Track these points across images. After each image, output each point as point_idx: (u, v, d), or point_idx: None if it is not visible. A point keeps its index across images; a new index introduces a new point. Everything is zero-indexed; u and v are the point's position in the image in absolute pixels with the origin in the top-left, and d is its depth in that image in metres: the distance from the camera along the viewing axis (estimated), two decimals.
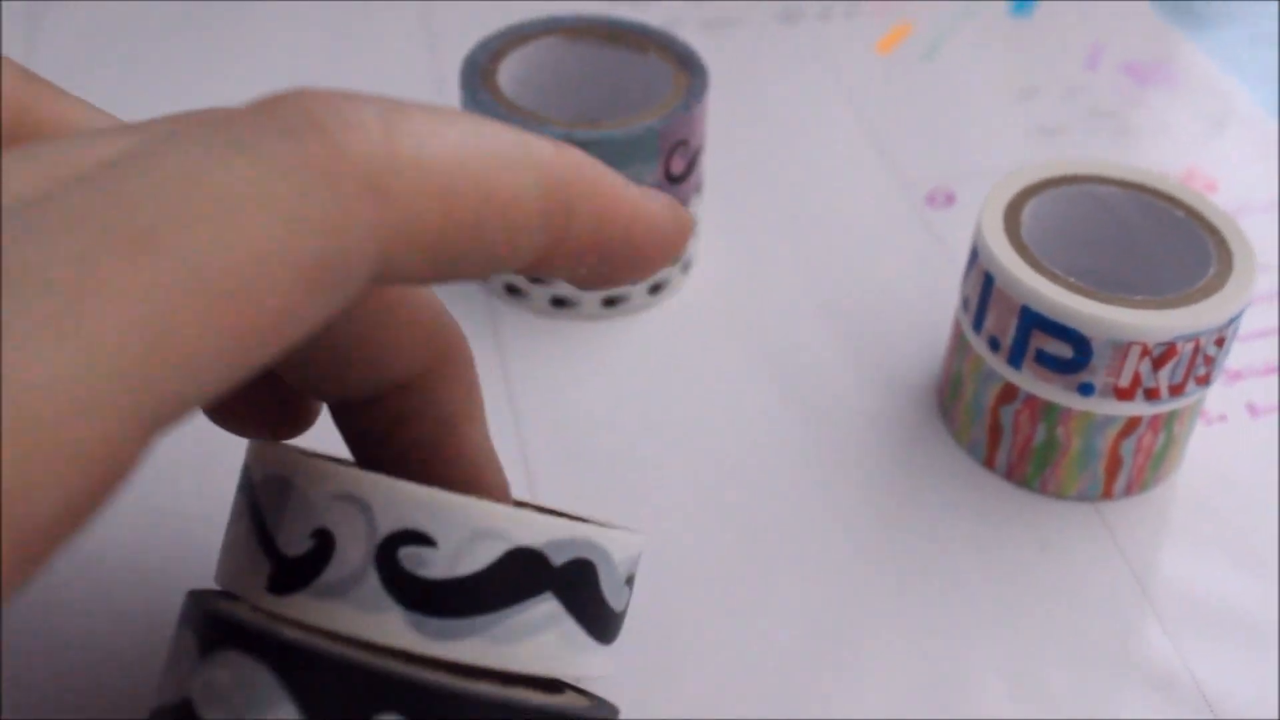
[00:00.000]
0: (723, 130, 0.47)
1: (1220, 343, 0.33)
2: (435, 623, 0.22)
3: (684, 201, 0.38)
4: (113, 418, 0.16)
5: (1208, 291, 0.33)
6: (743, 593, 0.32)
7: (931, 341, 0.39)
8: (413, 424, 0.26)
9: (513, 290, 0.39)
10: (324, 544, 0.22)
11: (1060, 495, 0.35)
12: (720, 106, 0.48)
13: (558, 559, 0.23)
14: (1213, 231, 0.35)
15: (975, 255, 0.34)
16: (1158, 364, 0.32)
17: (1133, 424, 0.34)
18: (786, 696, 0.30)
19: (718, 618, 0.32)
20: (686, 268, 0.40)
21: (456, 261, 0.20)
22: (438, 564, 0.22)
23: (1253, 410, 0.38)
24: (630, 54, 0.39)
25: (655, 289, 0.39)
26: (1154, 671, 0.31)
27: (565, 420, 0.36)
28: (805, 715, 0.30)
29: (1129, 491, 0.35)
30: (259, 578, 0.23)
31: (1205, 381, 0.33)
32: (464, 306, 0.39)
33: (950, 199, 0.45)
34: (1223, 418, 0.38)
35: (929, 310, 0.41)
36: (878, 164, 0.46)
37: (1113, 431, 0.34)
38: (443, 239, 0.20)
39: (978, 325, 0.34)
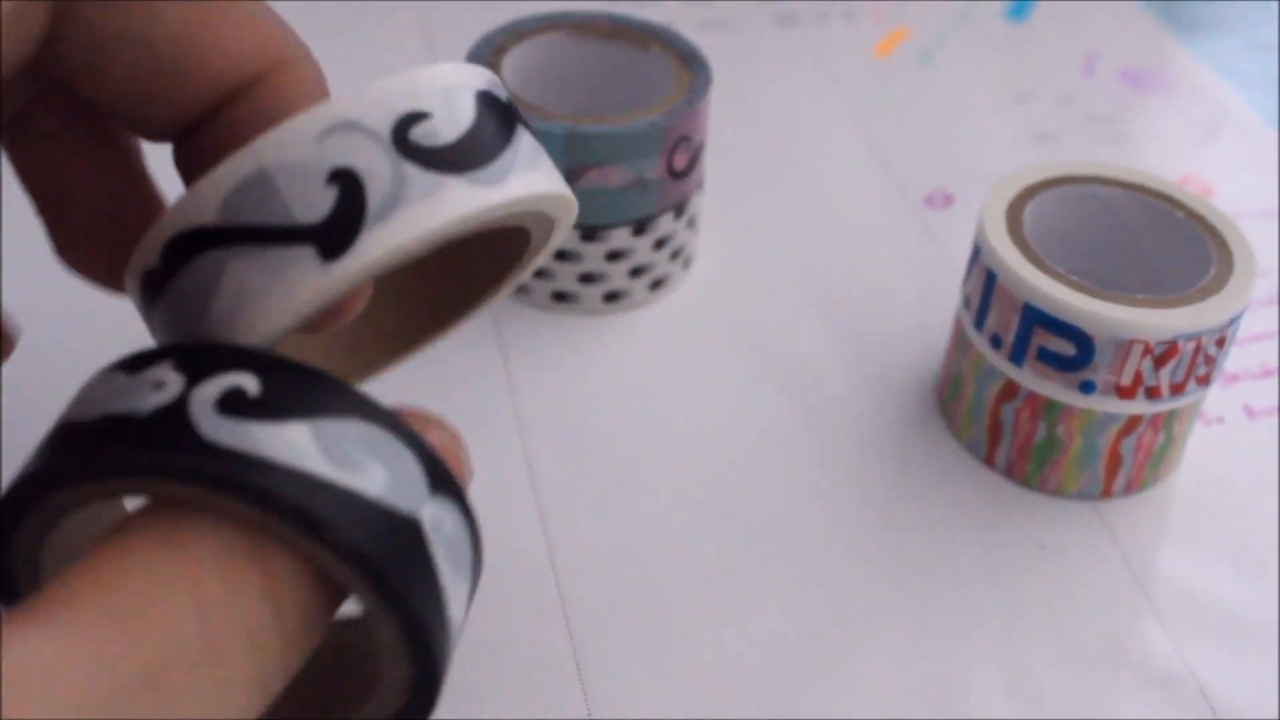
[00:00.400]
0: (721, 130, 0.47)
1: (1221, 343, 0.33)
2: (482, 173, 0.23)
3: (686, 197, 0.38)
4: None
5: (1209, 292, 0.33)
6: (740, 589, 0.32)
7: (930, 340, 0.40)
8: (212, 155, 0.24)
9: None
10: (348, 183, 0.22)
11: (1060, 494, 0.35)
12: (719, 107, 0.49)
13: (501, 94, 0.24)
14: (1213, 233, 0.35)
15: (977, 253, 0.34)
16: (1159, 363, 0.32)
17: (1133, 423, 0.34)
18: (784, 695, 0.30)
19: (715, 614, 0.32)
20: (687, 264, 0.40)
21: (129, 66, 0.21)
22: (445, 128, 0.22)
23: (1250, 412, 0.38)
24: (632, 50, 0.39)
25: (656, 285, 0.39)
26: (1153, 670, 0.31)
27: (566, 414, 0.36)
28: (803, 714, 0.30)
29: (1128, 490, 0.35)
30: (306, 263, 0.22)
31: (1206, 381, 0.34)
32: None
33: (949, 200, 0.45)
34: (1220, 420, 0.38)
35: (927, 309, 0.41)
36: (875, 166, 0.46)
37: (1113, 430, 0.34)
38: (117, 32, 0.20)
39: (979, 323, 0.34)
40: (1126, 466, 0.35)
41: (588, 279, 0.38)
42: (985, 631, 0.32)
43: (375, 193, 0.22)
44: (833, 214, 0.44)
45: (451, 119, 0.23)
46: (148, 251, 0.22)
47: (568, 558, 0.33)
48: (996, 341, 0.34)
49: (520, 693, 0.30)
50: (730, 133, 0.47)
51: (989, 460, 0.36)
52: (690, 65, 0.38)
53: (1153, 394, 0.33)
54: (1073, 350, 0.32)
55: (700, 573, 0.33)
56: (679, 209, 0.38)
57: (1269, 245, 0.45)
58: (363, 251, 0.22)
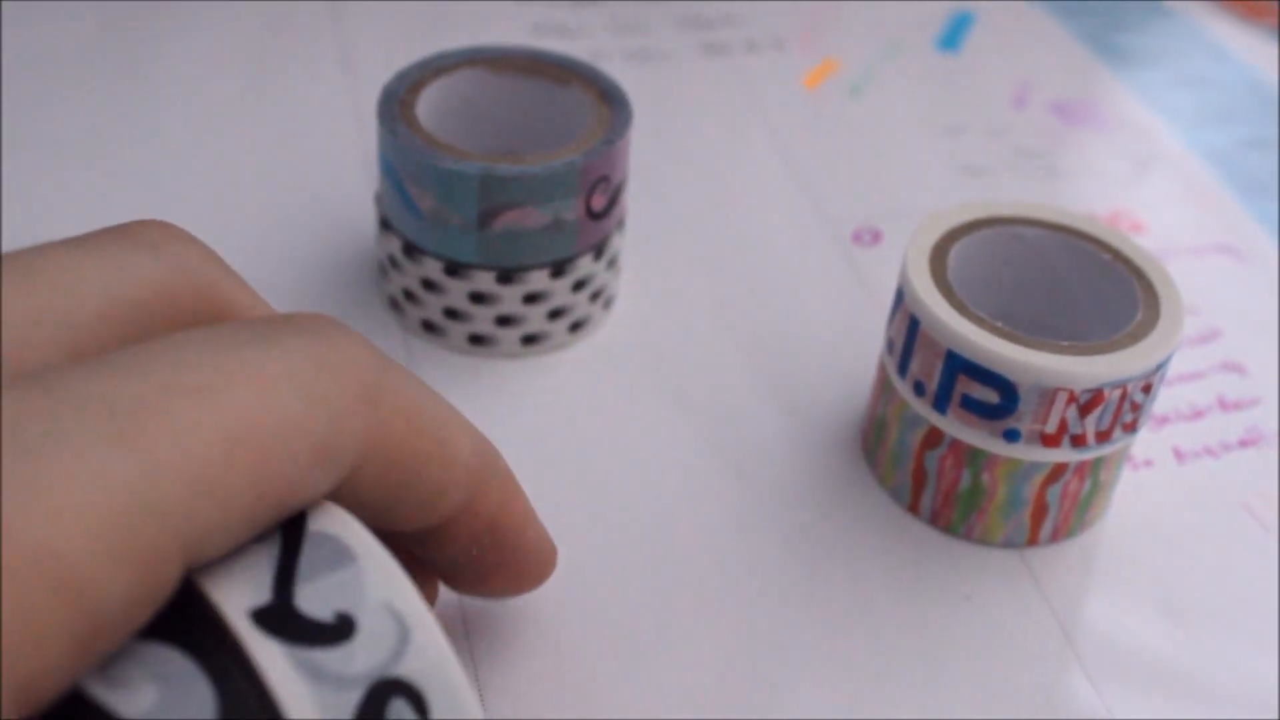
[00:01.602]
0: (645, 165, 0.47)
1: (1147, 389, 0.32)
2: None
3: (605, 238, 0.37)
4: (161, 528, 0.18)
5: (1135, 337, 0.32)
6: (658, 640, 0.31)
7: (856, 382, 0.39)
8: (465, 540, 0.26)
9: (429, 327, 0.38)
10: (344, 628, 0.20)
11: (985, 542, 0.35)
12: (643, 140, 0.48)
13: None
14: (1140, 275, 0.34)
15: (900, 298, 0.34)
16: (1084, 411, 0.32)
17: (1059, 471, 0.33)
18: None
19: (631, 665, 0.31)
20: (608, 305, 0.39)
21: (403, 487, 0.23)
22: None
23: (1179, 455, 0.38)
24: (552, 86, 0.38)
25: (575, 327, 0.38)
26: None
27: None
28: None
29: (1055, 538, 0.35)
30: (245, 597, 0.20)
31: (1132, 428, 0.33)
32: (380, 344, 0.38)
33: (876, 237, 0.44)
34: (1149, 463, 0.38)
35: (854, 350, 0.40)
36: (803, 201, 0.46)
37: (1039, 478, 0.33)
38: (400, 460, 0.23)
39: (903, 369, 0.34)
40: (1053, 514, 0.34)
41: (505, 321, 0.37)
42: (908, 682, 0.31)
43: None
44: (758, 251, 0.43)
45: None
46: None
47: (478, 606, 0.32)
48: (920, 388, 0.33)
49: None
50: (655, 168, 0.47)
51: (913, 508, 0.35)
52: (610, 102, 0.37)
53: (1078, 442, 0.32)
54: (997, 398, 0.32)
55: (617, 623, 0.32)
56: (599, 250, 0.37)
57: (1201, 282, 0.44)
58: None
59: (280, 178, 0.44)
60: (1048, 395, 0.31)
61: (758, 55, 0.53)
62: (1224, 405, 0.40)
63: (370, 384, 0.22)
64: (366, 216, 0.43)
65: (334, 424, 0.21)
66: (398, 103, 0.37)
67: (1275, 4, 0.61)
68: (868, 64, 0.53)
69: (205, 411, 0.19)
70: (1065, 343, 0.32)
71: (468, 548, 0.26)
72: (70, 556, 0.17)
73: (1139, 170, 0.49)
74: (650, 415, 0.37)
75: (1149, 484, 0.37)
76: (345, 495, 0.22)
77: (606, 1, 0.55)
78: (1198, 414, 0.39)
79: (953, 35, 0.56)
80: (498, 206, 0.35)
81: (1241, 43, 0.58)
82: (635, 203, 0.45)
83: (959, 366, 0.32)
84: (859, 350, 0.40)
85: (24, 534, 0.17)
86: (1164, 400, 0.40)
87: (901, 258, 0.43)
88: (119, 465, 0.18)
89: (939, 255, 0.34)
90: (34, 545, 0.17)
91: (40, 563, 0.17)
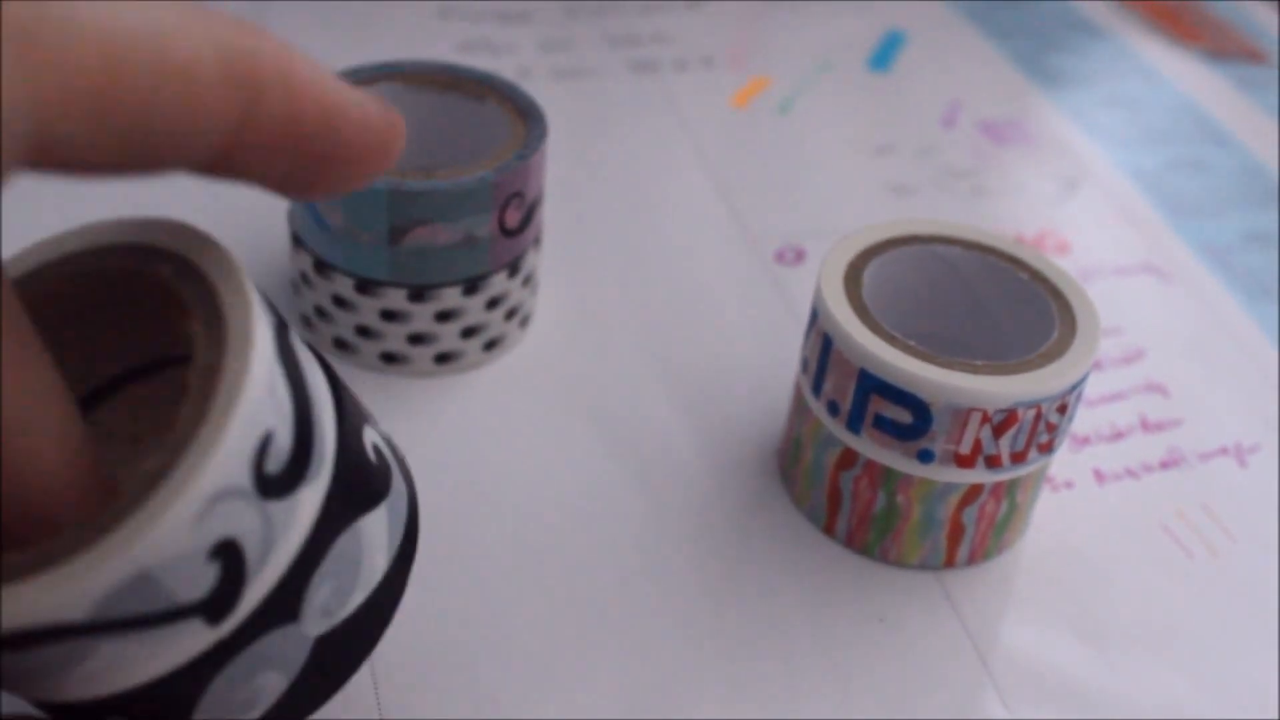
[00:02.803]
0: (568, 182, 0.46)
1: (1063, 410, 0.32)
2: (311, 468, 0.23)
3: (520, 255, 0.37)
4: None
5: (1050, 357, 0.32)
6: (570, 662, 0.31)
7: (776, 403, 0.38)
8: (264, 159, 0.22)
9: (341, 345, 0.37)
10: (229, 552, 0.21)
11: (901, 564, 0.34)
12: (568, 158, 0.47)
13: (297, 349, 0.24)
14: (1056, 295, 0.34)
15: (815, 316, 0.33)
16: (998, 431, 0.31)
17: (974, 492, 0.33)
18: None
19: (542, 688, 0.30)
20: (524, 323, 0.39)
21: (130, 132, 0.18)
22: (283, 438, 0.22)
23: (1099, 476, 0.38)
24: (469, 102, 0.38)
25: (490, 345, 0.38)
26: None
27: None
28: None
29: (971, 560, 0.34)
30: (193, 630, 0.21)
31: (1048, 449, 0.33)
32: None
33: (800, 256, 0.44)
34: (1069, 484, 0.37)
35: (774, 370, 0.39)
36: (727, 219, 0.45)
37: (954, 499, 0.33)
38: (110, 100, 0.18)
39: (817, 388, 0.33)
40: (969, 536, 0.34)
41: (417, 340, 0.36)
42: (820, 706, 0.31)
43: (252, 548, 0.21)
44: (680, 270, 0.43)
45: (284, 422, 0.22)
46: None
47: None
48: (834, 408, 0.33)
49: None
50: (579, 186, 0.46)
51: (829, 530, 0.34)
52: (526, 118, 0.37)
53: (993, 463, 0.32)
54: (910, 418, 0.31)
55: (528, 645, 0.31)
56: (513, 267, 0.37)
57: (1126, 302, 0.44)
58: (248, 600, 0.22)
59: (195, 191, 0.43)
60: (961, 415, 0.31)
61: (687, 73, 0.53)
62: (1146, 426, 0.39)
63: (24, 23, 0.17)
64: (281, 233, 0.42)
65: None
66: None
67: (1204, 25, 0.61)
68: (797, 83, 0.53)
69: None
70: (979, 362, 0.32)
71: (268, 166, 0.21)
72: None
73: (1067, 190, 0.49)
74: (565, 435, 0.36)
75: (1069, 505, 0.37)
76: (51, 162, 0.18)
77: (535, 14, 0.55)
78: (1119, 435, 0.39)
79: (884, 55, 0.56)
80: (408, 223, 0.34)
81: (1172, 65, 0.58)
82: (558, 220, 0.44)
83: (872, 386, 0.31)
84: (779, 370, 0.39)
85: None
86: (1085, 421, 0.39)
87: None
88: None
89: (854, 273, 0.34)
90: None
91: None
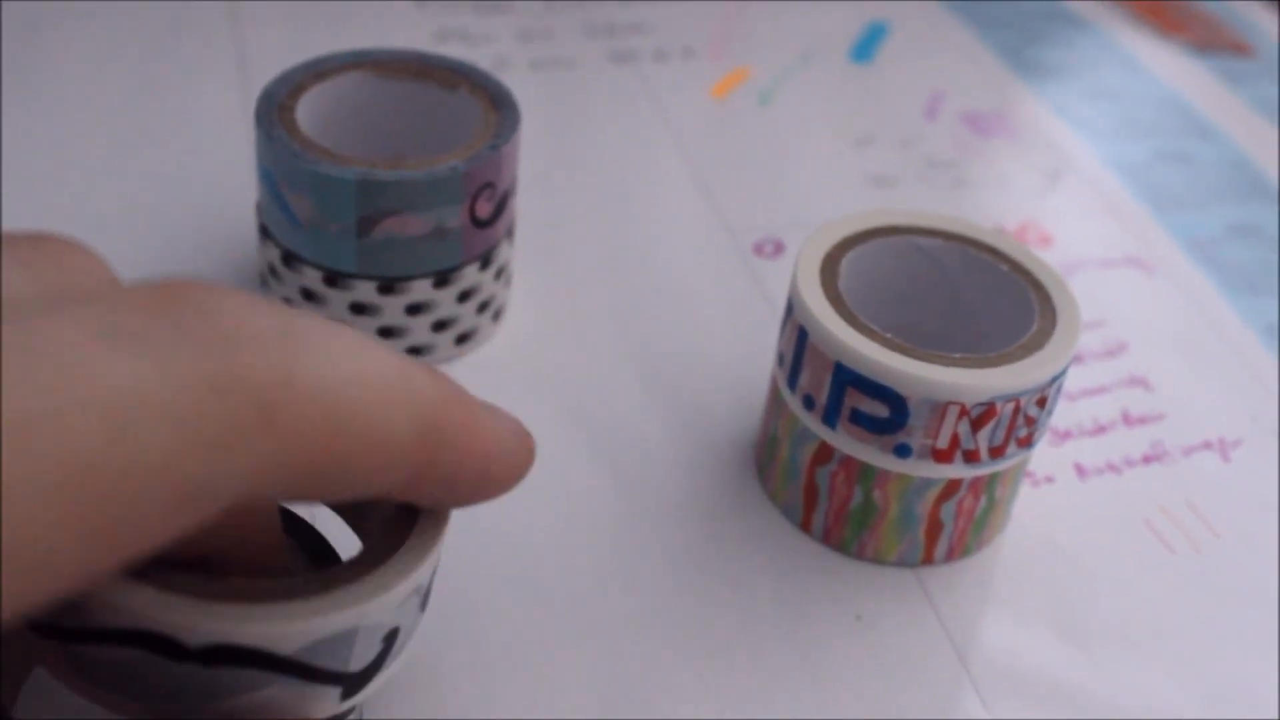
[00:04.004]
0: (544, 173, 0.45)
1: (1042, 403, 0.31)
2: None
3: (492, 247, 0.36)
4: None
5: (1029, 349, 0.31)
6: (537, 659, 0.30)
7: (753, 397, 0.38)
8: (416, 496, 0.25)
9: None
10: (392, 637, 0.24)
11: (879, 560, 0.34)
12: (545, 148, 0.47)
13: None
14: (1037, 287, 0.33)
15: (790, 308, 0.33)
16: (976, 425, 0.31)
17: (952, 487, 0.32)
18: None
19: (512, 686, 0.30)
20: (497, 316, 0.38)
21: (322, 490, 0.20)
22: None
23: (1081, 471, 0.37)
24: (440, 91, 0.37)
25: (462, 339, 0.37)
26: None
27: None
28: None
29: (950, 557, 0.34)
30: (329, 699, 0.24)
31: (1027, 443, 0.32)
32: None
33: (779, 249, 0.43)
34: (1050, 479, 0.37)
35: (752, 364, 0.39)
36: (705, 211, 0.45)
37: (932, 495, 0.32)
38: (316, 469, 0.19)
39: (792, 382, 0.33)
40: (948, 532, 0.33)
41: (387, 333, 0.36)
42: (796, 705, 0.30)
43: (401, 642, 0.25)
44: (658, 262, 0.42)
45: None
46: (177, 626, 0.22)
47: None
48: (809, 402, 0.32)
49: None
50: (556, 176, 0.45)
51: (805, 526, 0.34)
52: (499, 107, 0.36)
53: (971, 458, 0.31)
54: (886, 412, 0.31)
55: (499, 643, 0.30)
56: (485, 259, 0.36)
57: (1109, 295, 0.43)
58: (370, 689, 0.24)
59: (168, 183, 0.43)
60: (938, 409, 0.30)
61: (666, 63, 0.52)
62: (1128, 420, 0.39)
63: (268, 395, 0.18)
64: (249, 225, 0.41)
65: (214, 459, 0.18)
66: (277, 107, 0.35)
67: (1189, 18, 0.60)
68: (778, 74, 0.53)
69: (39, 458, 0.16)
70: (957, 355, 0.31)
71: (428, 498, 0.23)
72: None
73: (1049, 182, 0.49)
74: (539, 430, 0.36)
75: (1050, 500, 0.36)
76: (249, 502, 0.20)
77: (513, 3, 0.54)
78: (1101, 429, 0.38)
79: (866, 46, 0.55)
80: (377, 213, 0.34)
81: (1155, 57, 0.58)
82: (535, 212, 0.44)
83: (847, 379, 0.31)
84: (757, 364, 0.39)
85: None
86: (1067, 415, 0.39)
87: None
88: None
89: (830, 265, 0.33)
90: None
91: None
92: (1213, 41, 0.59)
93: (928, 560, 0.34)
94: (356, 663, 0.24)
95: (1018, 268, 0.34)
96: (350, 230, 0.34)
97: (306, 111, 0.36)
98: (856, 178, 0.47)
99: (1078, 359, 0.41)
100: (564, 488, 0.34)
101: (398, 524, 0.24)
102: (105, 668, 0.22)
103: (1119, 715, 0.31)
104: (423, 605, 0.25)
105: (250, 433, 0.18)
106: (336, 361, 0.20)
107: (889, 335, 0.31)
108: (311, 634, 0.22)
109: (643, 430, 0.36)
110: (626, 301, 0.41)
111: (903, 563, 0.34)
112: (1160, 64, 0.57)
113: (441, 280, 0.35)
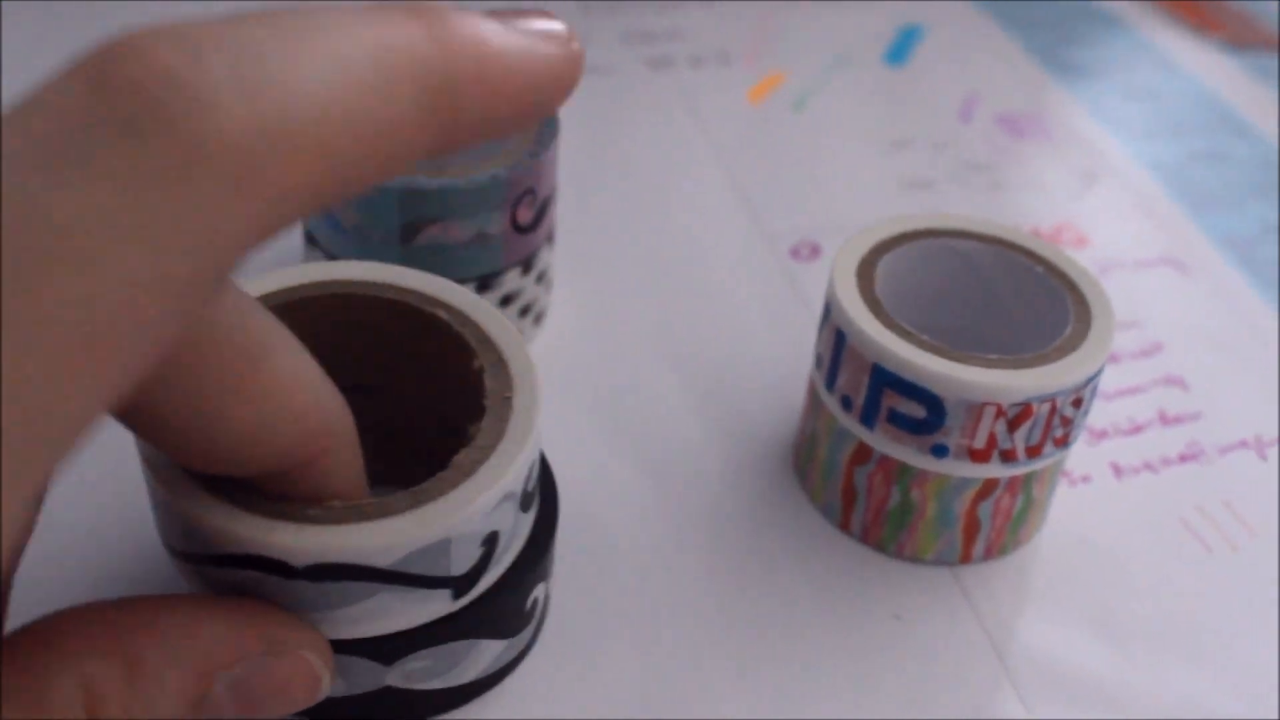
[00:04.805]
0: (583, 179, 0.46)
1: (1078, 403, 0.32)
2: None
3: (533, 252, 0.37)
4: None
5: (1065, 350, 0.32)
6: (583, 656, 0.31)
7: (791, 399, 0.38)
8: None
9: None
10: (492, 541, 0.26)
11: (916, 559, 0.34)
12: (584, 155, 0.47)
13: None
14: (1072, 288, 0.34)
15: (828, 311, 0.33)
16: (1013, 425, 0.31)
17: (989, 486, 0.32)
18: None
19: (552, 683, 0.30)
20: (539, 320, 0.39)
21: (336, 198, 0.19)
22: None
23: (1117, 470, 0.37)
24: None
25: None
26: None
27: None
28: None
29: (988, 555, 0.34)
30: (442, 601, 0.26)
31: (1064, 443, 0.32)
32: None
33: (815, 252, 0.44)
34: (1086, 478, 0.37)
35: (790, 366, 0.39)
36: (743, 215, 0.45)
37: (969, 494, 0.32)
38: (321, 190, 0.18)
39: (830, 383, 0.33)
40: (985, 531, 0.33)
41: None
42: (837, 703, 0.30)
43: (503, 544, 0.27)
44: (696, 266, 0.43)
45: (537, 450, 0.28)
46: (282, 549, 0.24)
47: None
48: (847, 403, 0.32)
49: None
50: (595, 182, 0.46)
51: (844, 525, 0.34)
52: None
53: (1008, 457, 0.32)
54: (923, 413, 0.31)
55: (539, 642, 0.31)
56: (526, 264, 0.37)
57: (1145, 295, 0.44)
58: (480, 586, 0.27)
59: None
60: (975, 409, 0.31)
61: (702, 69, 0.53)
62: (1164, 420, 0.39)
63: (239, 159, 0.17)
64: (294, 230, 0.42)
65: (201, 251, 0.17)
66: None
67: (1224, 16, 0.61)
68: (813, 78, 0.53)
69: (15, 321, 0.16)
70: (993, 356, 0.31)
71: (470, 140, 0.22)
72: None
73: (1085, 183, 0.49)
74: (580, 432, 0.36)
75: (1087, 500, 0.36)
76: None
77: (552, 5, 0.55)
78: (1137, 429, 0.39)
79: (900, 49, 0.55)
80: (420, 220, 0.34)
81: (1191, 56, 0.58)
82: (574, 217, 0.44)
83: (885, 381, 0.31)
84: (795, 366, 0.39)
85: None
86: (1103, 415, 0.39)
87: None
88: None
89: (866, 268, 0.33)
90: None
91: None
92: (1248, 39, 0.59)
93: (965, 559, 0.34)
94: (458, 567, 0.26)
95: (1052, 269, 0.34)
96: (394, 237, 0.34)
97: None
98: (892, 181, 0.48)
99: (1114, 359, 0.41)
100: (604, 489, 0.35)
101: (487, 435, 0.27)
102: (231, 588, 0.25)
103: (1157, 714, 0.31)
104: (524, 507, 0.27)
105: (233, 204, 0.17)
106: (309, 72, 0.18)
107: (925, 337, 0.32)
108: (405, 548, 0.25)
109: (682, 431, 0.37)
110: (665, 304, 0.41)
111: (940, 561, 0.34)
112: (1195, 62, 0.57)
113: (484, 285, 0.36)
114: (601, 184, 0.46)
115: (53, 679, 0.21)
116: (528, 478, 0.27)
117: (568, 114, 0.49)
